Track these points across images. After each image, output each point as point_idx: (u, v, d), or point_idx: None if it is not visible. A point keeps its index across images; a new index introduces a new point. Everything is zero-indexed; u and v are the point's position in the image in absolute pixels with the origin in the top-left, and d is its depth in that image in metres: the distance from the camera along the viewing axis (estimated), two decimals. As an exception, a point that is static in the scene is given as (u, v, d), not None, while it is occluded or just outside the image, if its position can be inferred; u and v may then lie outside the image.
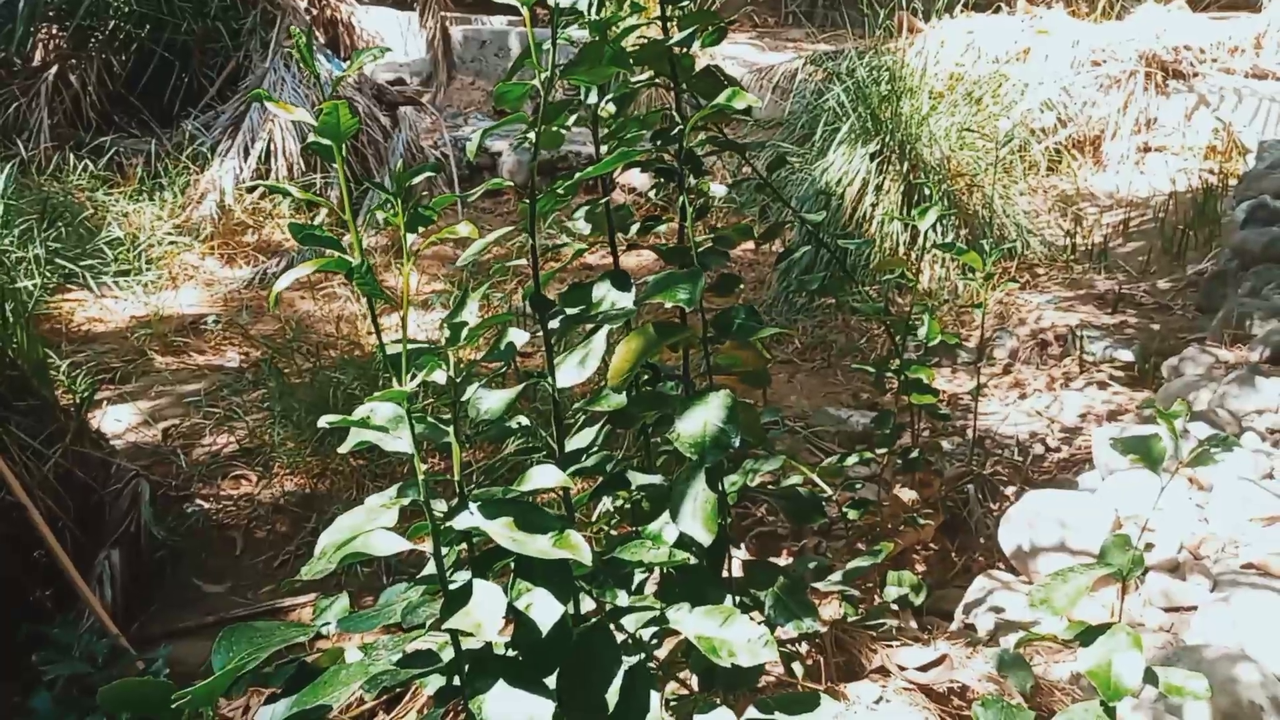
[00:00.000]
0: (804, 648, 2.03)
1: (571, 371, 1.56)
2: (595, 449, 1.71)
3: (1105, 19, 7.16)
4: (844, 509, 2.65)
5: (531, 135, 1.51)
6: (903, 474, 2.82)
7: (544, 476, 1.29)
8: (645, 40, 1.78)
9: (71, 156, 5.95)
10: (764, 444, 1.90)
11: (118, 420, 3.81)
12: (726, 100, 1.54)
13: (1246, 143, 6.16)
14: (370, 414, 1.25)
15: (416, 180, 1.17)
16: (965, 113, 5.19)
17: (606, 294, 1.63)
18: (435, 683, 1.47)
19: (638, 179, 6.17)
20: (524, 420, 1.50)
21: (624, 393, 1.64)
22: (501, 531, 1.22)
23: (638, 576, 1.66)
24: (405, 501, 1.25)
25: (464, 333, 1.28)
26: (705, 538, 1.54)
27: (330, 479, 3.42)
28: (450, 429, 1.29)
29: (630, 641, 1.50)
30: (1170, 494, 2.47)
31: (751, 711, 1.54)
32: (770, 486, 2.14)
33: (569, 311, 1.61)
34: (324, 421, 1.22)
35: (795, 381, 4.12)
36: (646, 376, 1.85)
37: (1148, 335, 4.16)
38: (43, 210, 5.12)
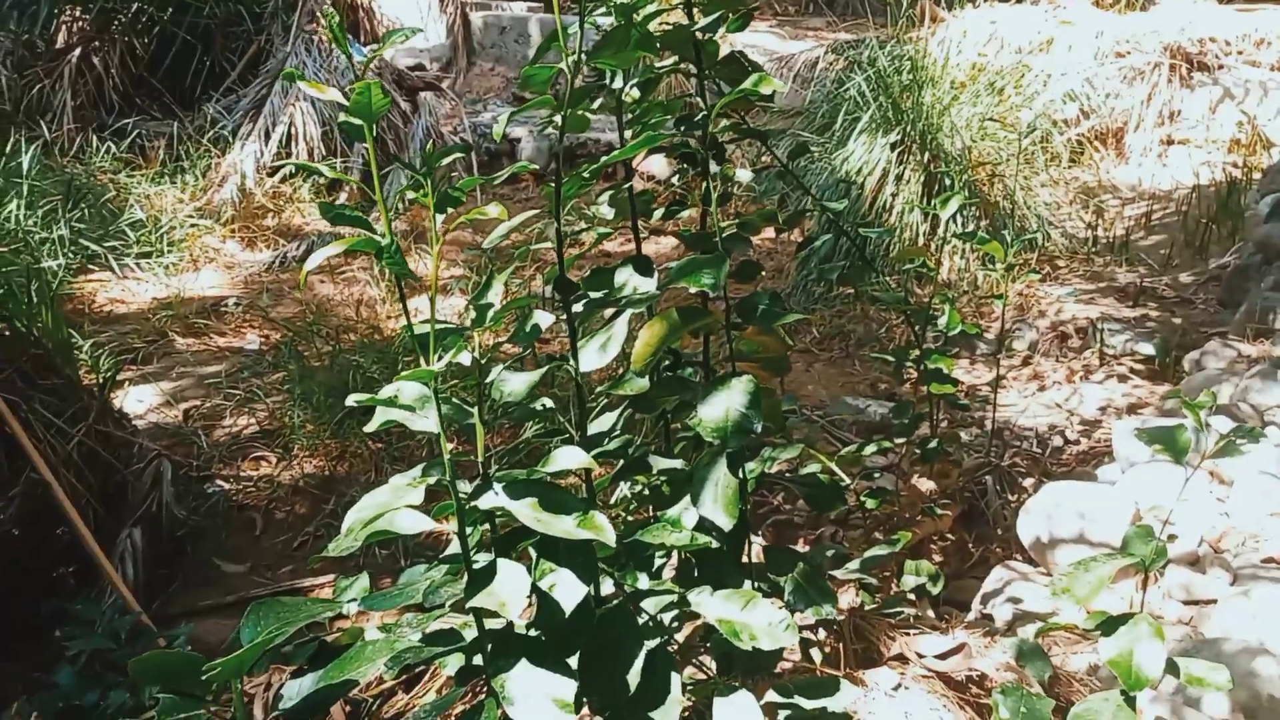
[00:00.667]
0: (822, 634, 2.04)
1: (593, 356, 1.56)
2: (616, 433, 1.71)
3: (1130, 10, 7.09)
4: (861, 498, 2.65)
5: (557, 119, 1.51)
6: (921, 464, 2.81)
7: (569, 458, 1.29)
8: (669, 25, 1.77)
9: (94, 138, 6.00)
10: (783, 432, 1.90)
11: (139, 400, 3.84)
12: (753, 86, 1.54)
13: (1271, 136, 6.10)
14: (397, 393, 1.26)
15: (447, 162, 1.18)
16: (987, 103, 5.16)
17: (629, 279, 1.63)
18: (455, 663, 1.48)
19: (657, 166, 6.16)
20: (548, 403, 1.51)
21: (646, 377, 1.64)
22: (526, 512, 1.23)
23: (656, 561, 1.66)
24: (431, 480, 1.26)
25: (490, 314, 1.29)
26: (726, 523, 1.54)
27: (349, 461, 3.44)
28: (475, 410, 1.30)
29: (651, 624, 1.50)
30: (1191, 487, 2.46)
31: (771, 695, 1.54)
32: (788, 474, 2.14)
33: (592, 295, 1.61)
34: (352, 400, 1.23)
35: (813, 371, 4.12)
36: (667, 362, 1.85)
37: (1169, 329, 4.13)
38: (66, 191, 5.16)
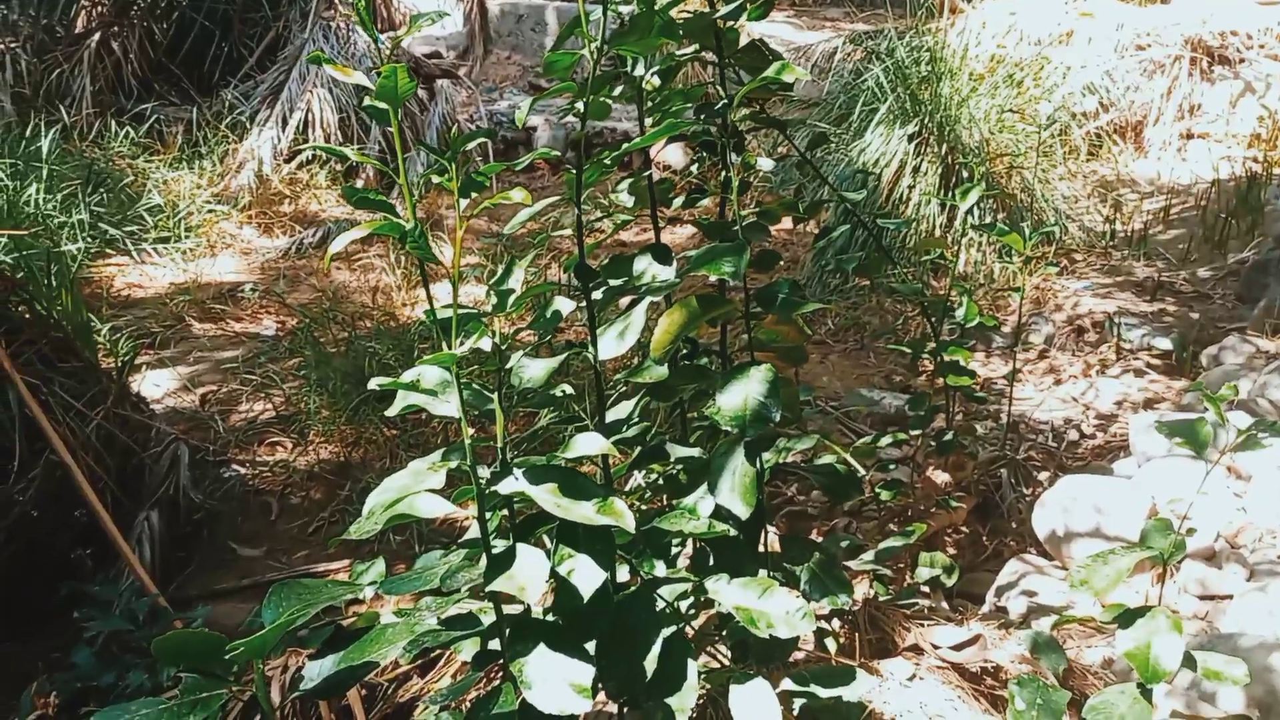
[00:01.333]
0: (837, 624, 2.04)
1: (611, 344, 1.56)
2: (634, 421, 1.71)
3: (1150, 3, 7.04)
4: (876, 490, 2.65)
5: (577, 106, 1.51)
6: (936, 456, 2.81)
7: (588, 444, 1.30)
8: (690, 13, 1.77)
9: (113, 123, 6.02)
10: (799, 422, 1.90)
11: (157, 385, 3.86)
12: (775, 73, 1.54)
13: (1292, 131, 6.05)
14: (419, 378, 1.26)
15: (471, 147, 1.18)
16: (1006, 95, 5.13)
17: (648, 267, 1.63)
18: (470, 648, 1.49)
19: (673, 156, 6.15)
20: (567, 389, 1.51)
21: (665, 365, 1.64)
22: (546, 497, 1.23)
23: (672, 549, 1.67)
24: (451, 465, 1.26)
25: (510, 300, 1.29)
26: (743, 511, 1.54)
27: (365, 447, 3.46)
28: (495, 395, 1.30)
29: (668, 611, 1.51)
30: (1209, 482, 2.46)
31: (786, 684, 1.55)
32: (803, 465, 2.14)
33: (612, 282, 1.61)
34: (374, 384, 1.24)
35: (828, 362, 4.11)
36: (685, 350, 1.85)
37: (1186, 324, 4.11)
38: (85, 176, 5.18)
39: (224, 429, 3.59)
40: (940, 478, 2.81)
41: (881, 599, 2.19)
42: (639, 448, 1.73)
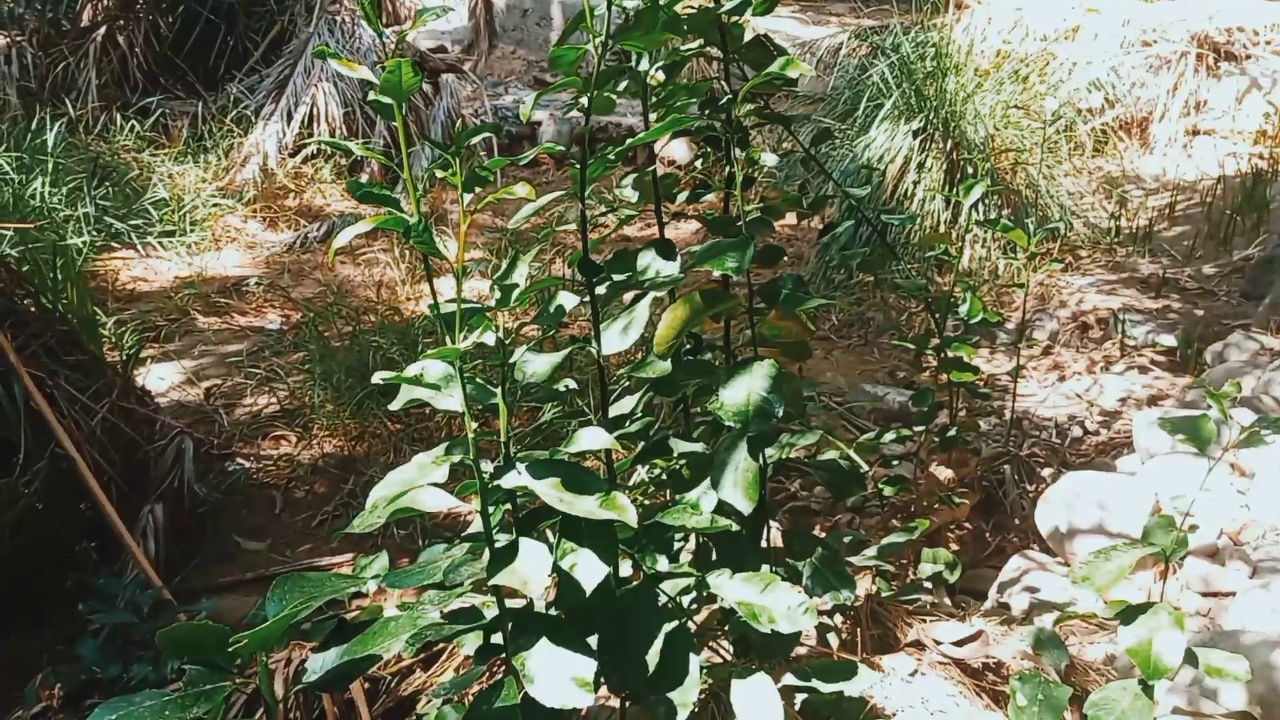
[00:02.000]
0: (839, 620, 2.04)
1: (615, 339, 1.56)
2: (637, 416, 1.72)
3: (1157, -2, 7.02)
4: (879, 485, 2.65)
5: (582, 101, 1.51)
6: (939, 452, 2.81)
7: (591, 438, 1.30)
8: (695, 8, 1.77)
9: (118, 117, 6.02)
10: (802, 417, 1.90)
11: (161, 378, 3.87)
12: (780, 69, 1.54)
13: (1298, 128, 6.03)
14: (422, 372, 1.27)
15: (475, 142, 1.18)
16: (1011, 91, 5.12)
17: (652, 262, 1.63)
18: (473, 641, 1.49)
19: (678, 151, 6.15)
20: (571, 384, 1.51)
21: (668, 360, 1.65)
22: (549, 491, 1.24)
23: (675, 544, 1.67)
24: (455, 459, 1.26)
25: (515, 294, 1.29)
26: (746, 506, 1.54)
27: (368, 442, 3.47)
28: (498, 390, 1.31)
29: (670, 606, 1.51)
30: (1212, 479, 2.46)
31: (788, 679, 1.55)
32: (806, 461, 2.14)
33: (616, 278, 1.61)
34: (378, 378, 1.24)
35: (831, 358, 4.11)
36: (688, 346, 1.85)
37: (1191, 321, 4.11)
38: (91, 169, 5.19)
39: (228, 423, 3.59)
40: (943, 474, 2.81)
41: (884, 595, 2.19)
42: (642, 443, 1.73)
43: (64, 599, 2.64)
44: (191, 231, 5.24)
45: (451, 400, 1.27)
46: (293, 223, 5.58)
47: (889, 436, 2.60)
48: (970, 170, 4.67)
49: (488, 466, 1.31)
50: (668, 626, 1.42)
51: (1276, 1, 6.97)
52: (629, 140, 1.54)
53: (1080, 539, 2.52)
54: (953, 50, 5.10)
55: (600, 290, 1.59)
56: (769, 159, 1.81)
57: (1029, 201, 4.85)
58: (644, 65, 1.67)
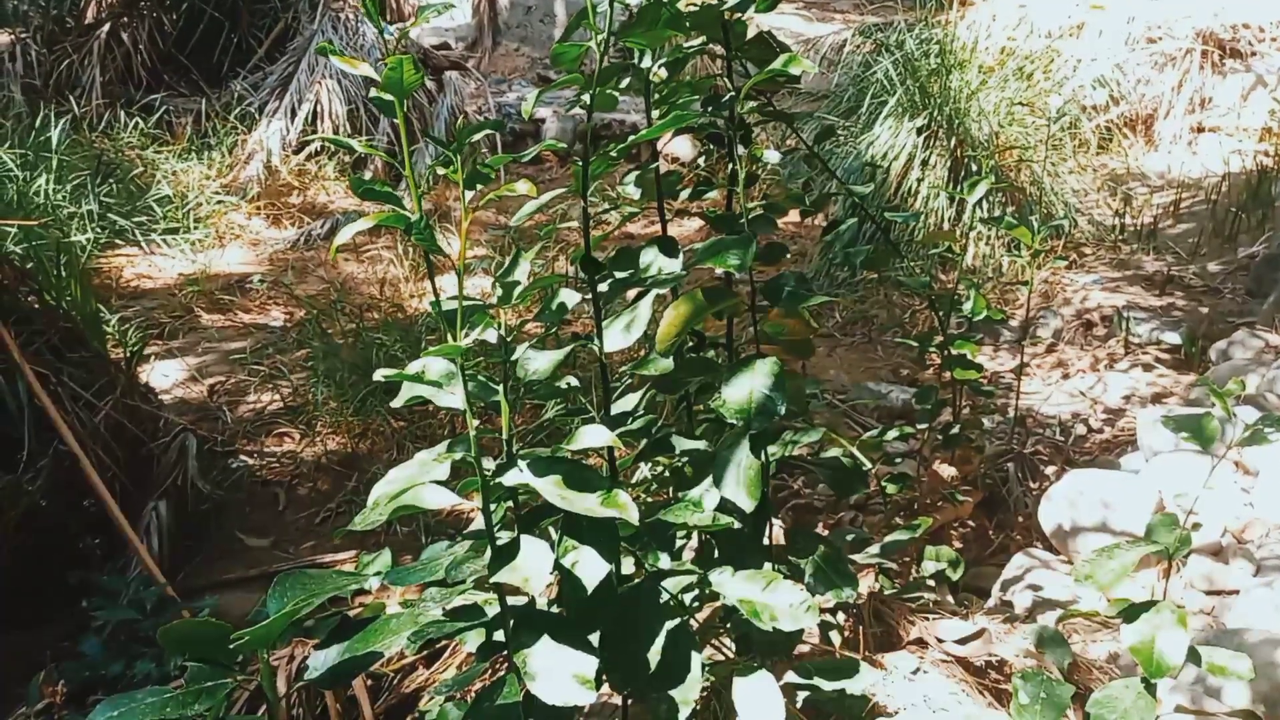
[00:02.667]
0: (841, 618, 2.04)
1: (617, 336, 1.56)
2: (639, 413, 1.71)
3: (1162, -5, 7.00)
4: (882, 483, 2.65)
5: (585, 98, 1.51)
6: (942, 450, 2.81)
7: (593, 436, 1.30)
8: (698, 5, 1.77)
9: (122, 114, 6.03)
10: (805, 415, 1.90)
11: (165, 375, 3.88)
12: (783, 66, 1.53)
13: (1304, 125, 6.01)
14: (424, 369, 1.27)
15: (476, 138, 1.18)
16: (1015, 88, 5.11)
17: (655, 259, 1.63)
18: (475, 639, 1.49)
19: (681, 148, 6.15)
20: (573, 381, 1.51)
21: (671, 358, 1.64)
22: (551, 489, 1.24)
23: (677, 542, 1.67)
24: (456, 456, 1.26)
25: (517, 291, 1.29)
26: (748, 504, 1.54)
27: (371, 439, 3.47)
28: (500, 387, 1.30)
29: (672, 604, 1.51)
30: (1215, 477, 2.45)
31: (790, 676, 1.55)
32: (809, 458, 2.14)
33: (618, 275, 1.61)
34: (379, 375, 1.24)
35: (835, 355, 4.11)
36: (691, 343, 1.85)
37: (1195, 318, 4.10)
38: (95, 166, 5.20)
39: (232, 420, 3.60)
40: (946, 472, 2.81)
41: (886, 592, 2.19)
42: (644, 440, 1.73)
43: (68, 596, 2.65)
44: (195, 229, 5.25)
45: (453, 398, 1.26)
46: (296, 220, 5.58)
47: (892, 434, 2.60)
48: (974, 168, 4.67)
49: (490, 464, 1.31)
50: (670, 624, 1.42)
51: (1282, -2, 6.94)
52: (632, 137, 1.54)
53: (1084, 537, 2.51)
54: (957, 47, 5.09)
55: (603, 287, 1.59)
56: (772, 156, 1.81)
57: (1033, 199, 4.84)
58: (647, 62, 1.66)
